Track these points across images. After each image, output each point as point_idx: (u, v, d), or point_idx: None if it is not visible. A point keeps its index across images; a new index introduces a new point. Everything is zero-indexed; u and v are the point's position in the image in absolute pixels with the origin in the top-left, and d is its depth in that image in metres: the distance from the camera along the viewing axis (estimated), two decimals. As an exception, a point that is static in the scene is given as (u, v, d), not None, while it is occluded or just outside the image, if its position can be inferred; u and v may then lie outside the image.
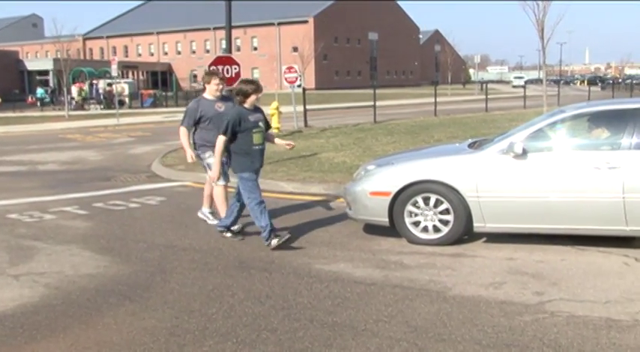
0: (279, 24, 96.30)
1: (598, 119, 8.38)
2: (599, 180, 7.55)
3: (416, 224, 8.30)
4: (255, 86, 8.43)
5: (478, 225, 8.09)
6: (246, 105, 8.37)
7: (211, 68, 9.31)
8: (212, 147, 8.74)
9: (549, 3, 25.52)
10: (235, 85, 8.51)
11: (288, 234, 8.36)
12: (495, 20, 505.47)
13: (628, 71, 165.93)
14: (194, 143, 9.51)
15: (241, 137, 8.28)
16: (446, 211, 8.12)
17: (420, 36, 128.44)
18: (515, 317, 5.77)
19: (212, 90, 9.45)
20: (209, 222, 9.71)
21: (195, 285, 6.91)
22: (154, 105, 51.94)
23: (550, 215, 7.80)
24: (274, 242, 8.18)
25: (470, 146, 8.86)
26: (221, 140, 8.31)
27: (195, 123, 9.36)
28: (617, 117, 8.13)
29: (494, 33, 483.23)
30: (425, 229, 8.25)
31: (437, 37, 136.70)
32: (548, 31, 25.82)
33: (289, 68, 26.87)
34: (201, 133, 9.37)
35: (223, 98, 9.54)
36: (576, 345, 5.13)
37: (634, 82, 76.43)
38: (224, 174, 9.17)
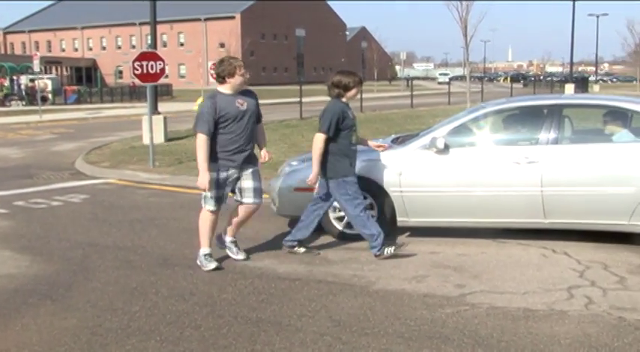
0: (206, 19, 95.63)
1: (518, 115, 8.59)
2: (519, 174, 7.73)
3: (340, 219, 8.35)
4: (359, 79, 7.66)
5: (402, 220, 8.19)
6: (344, 99, 7.61)
7: (229, 57, 7.32)
8: (237, 163, 7.40)
9: (472, 2, 26.10)
10: (333, 76, 7.81)
11: (401, 242, 7.89)
12: (421, 18, 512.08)
13: (549, 69, 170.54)
14: (212, 155, 7.27)
15: (341, 136, 7.44)
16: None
17: (347, 33, 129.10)
18: (437, 309, 5.88)
19: (237, 83, 7.36)
20: (234, 256, 7.63)
21: (118, 283, 6.83)
22: (78, 101, 50.74)
23: (471, 209, 7.95)
24: (390, 250, 7.47)
25: (393, 141, 8.96)
26: (322, 139, 7.37)
27: (215, 126, 7.20)
28: (536, 113, 8.35)
29: (420, 30, 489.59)
30: (349, 224, 8.30)
31: (363, 34, 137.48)
32: (471, 28, 26.55)
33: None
34: (222, 140, 7.28)
35: (243, 92, 7.55)
36: (495, 335, 5.26)
37: (554, 79, 78.64)
38: (217, 199, 7.47)
